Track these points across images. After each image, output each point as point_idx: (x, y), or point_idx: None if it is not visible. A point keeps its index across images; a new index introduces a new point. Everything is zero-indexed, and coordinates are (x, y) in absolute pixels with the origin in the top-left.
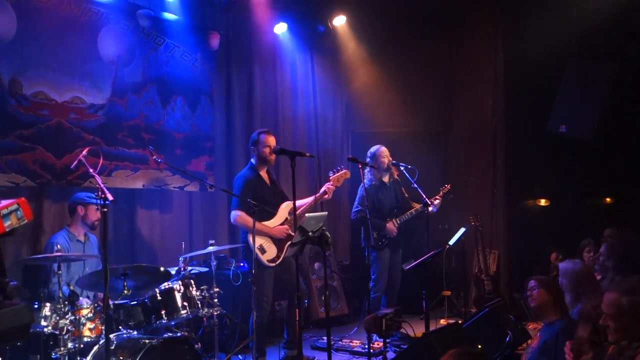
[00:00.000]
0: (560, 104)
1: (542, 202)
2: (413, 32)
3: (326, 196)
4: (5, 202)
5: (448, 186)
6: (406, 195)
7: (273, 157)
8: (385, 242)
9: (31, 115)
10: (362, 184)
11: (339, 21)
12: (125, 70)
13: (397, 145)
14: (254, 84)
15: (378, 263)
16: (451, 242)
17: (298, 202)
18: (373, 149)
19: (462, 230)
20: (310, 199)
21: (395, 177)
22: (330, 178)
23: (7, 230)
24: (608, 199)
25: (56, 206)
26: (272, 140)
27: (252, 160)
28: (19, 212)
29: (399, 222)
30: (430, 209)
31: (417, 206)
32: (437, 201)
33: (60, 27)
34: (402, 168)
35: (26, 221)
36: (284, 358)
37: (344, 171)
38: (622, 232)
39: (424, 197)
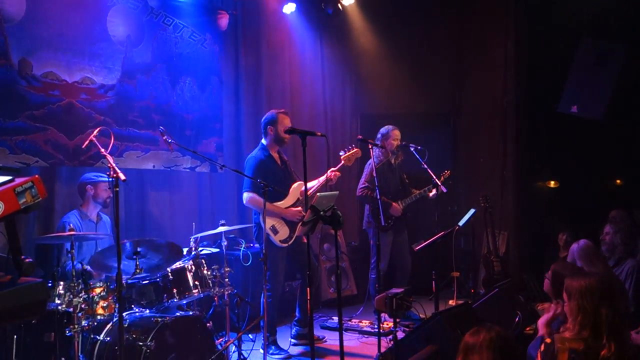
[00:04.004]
0: (572, 84)
1: (552, 183)
2: (423, 13)
3: (330, 183)
4: (19, 180)
5: (448, 172)
6: (407, 181)
7: (288, 137)
8: (390, 224)
9: (42, 95)
10: (370, 162)
11: (348, 1)
12: (134, 50)
13: (406, 127)
14: (263, 64)
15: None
16: (460, 223)
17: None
18: (385, 128)
19: (472, 211)
20: (316, 183)
21: (400, 160)
22: (342, 157)
23: (22, 207)
24: (618, 181)
25: (68, 186)
26: (288, 121)
27: (263, 141)
28: (33, 190)
29: (403, 204)
30: (438, 189)
31: (417, 191)
32: (437, 190)
33: (68, 6)
34: (411, 149)
35: (40, 199)
36: (295, 335)
37: (355, 150)
38: (629, 212)
39: (434, 178)
